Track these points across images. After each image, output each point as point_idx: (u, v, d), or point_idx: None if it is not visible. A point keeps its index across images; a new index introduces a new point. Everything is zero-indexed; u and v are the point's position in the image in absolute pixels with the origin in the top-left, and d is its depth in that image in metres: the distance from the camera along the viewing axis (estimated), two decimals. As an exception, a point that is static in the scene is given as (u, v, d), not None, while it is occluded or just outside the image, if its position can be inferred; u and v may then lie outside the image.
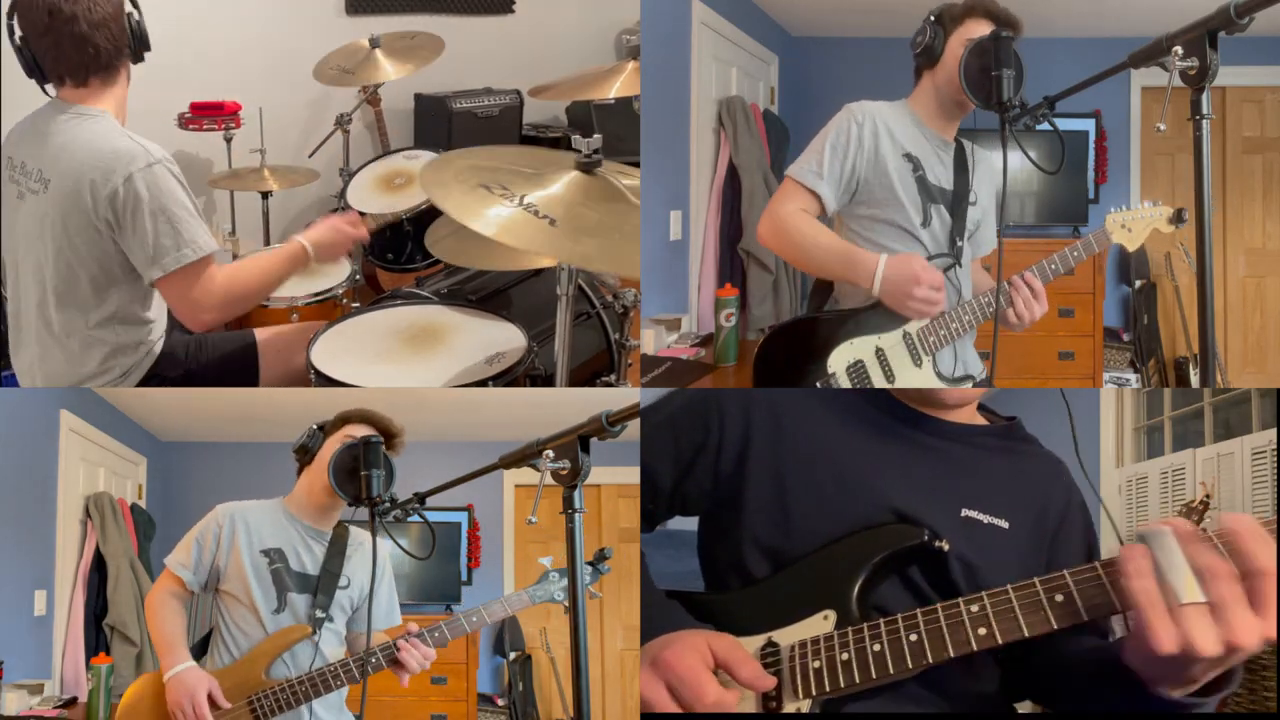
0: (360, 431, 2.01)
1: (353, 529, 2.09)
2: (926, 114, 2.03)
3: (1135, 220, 2.06)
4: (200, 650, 1.98)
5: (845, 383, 1.94)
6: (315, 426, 2.06)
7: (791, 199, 1.95)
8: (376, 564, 1.94)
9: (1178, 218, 2.05)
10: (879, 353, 1.96)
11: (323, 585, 1.97)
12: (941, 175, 2.02)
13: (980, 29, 1.94)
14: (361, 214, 2.64)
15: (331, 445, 1.98)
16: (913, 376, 1.96)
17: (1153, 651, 0.93)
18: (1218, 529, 0.97)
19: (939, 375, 2.00)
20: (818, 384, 1.94)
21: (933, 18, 2.00)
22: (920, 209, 1.97)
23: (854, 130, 1.94)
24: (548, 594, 2.03)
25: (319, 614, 1.93)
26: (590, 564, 2.01)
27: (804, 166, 1.96)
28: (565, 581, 2.01)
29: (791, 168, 1.98)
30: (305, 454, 2.04)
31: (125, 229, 1.91)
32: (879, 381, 1.95)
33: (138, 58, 2.01)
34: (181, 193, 1.94)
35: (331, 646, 1.97)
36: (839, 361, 1.94)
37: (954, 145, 2.07)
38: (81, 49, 1.92)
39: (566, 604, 1.99)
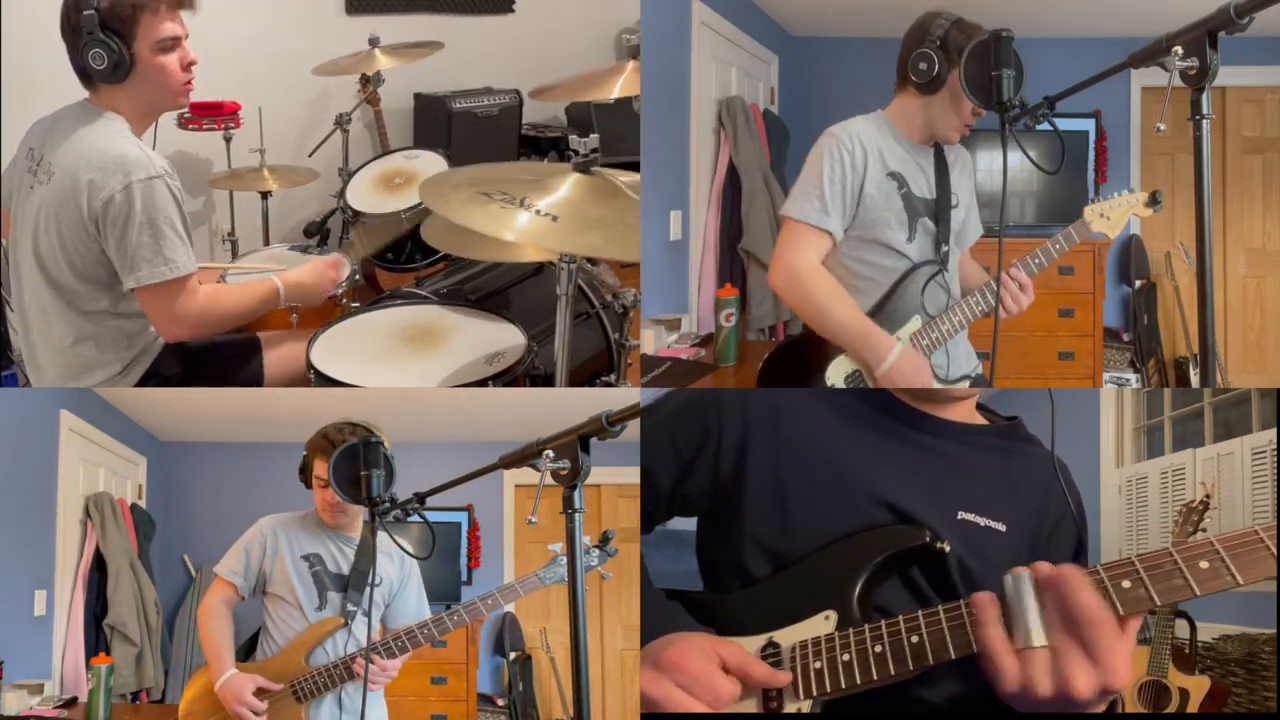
0: (321, 471, 2.14)
1: (379, 533, 2.17)
2: (907, 127, 2.04)
3: (1113, 208, 2.11)
4: (250, 647, 2.19)
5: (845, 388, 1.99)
6: (305, 455, 2.18)
7: (802, 245, 1.94)
8: (377, 561, 2.07)
9: (1153, 200, 2.09)
10: None
11: (353, 583, 2.16)
12: (924, 186, 2.04)
13: None
14: (356, 213, 2.64)
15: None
16: None
17: (1001, 690, 1.01)
18: (1046, 576, 1.02)
19: (935, 377, 2.04)
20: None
21: (937, 41, 1.98)
22: (906, 226, 2.00)
23: (845, 158, 1.94)
24: (558, 576, 2.14)
25: (350, 607, 2.13)
26: (597, 546, 2.15)
27: (805, 206, 1.95)
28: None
29: (791, 208, 1.97)
30: (305, 480, 2.21)
31: (111, 234, 1.92)
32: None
33: (107, 81, 1.96)
34: (174, 210, 1.95)
35: (366, 637, 2.13)
36: (837, 373, 1.98)
37: (933, 150, 2.08)
38: (72, 59, 1.98)
39: (602, 570, 2.14)
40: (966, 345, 2.17)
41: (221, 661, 2.11)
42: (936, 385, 1.94)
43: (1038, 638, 1.01)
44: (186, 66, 2.03)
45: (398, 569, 2.24)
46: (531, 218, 1.62)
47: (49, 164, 1.97)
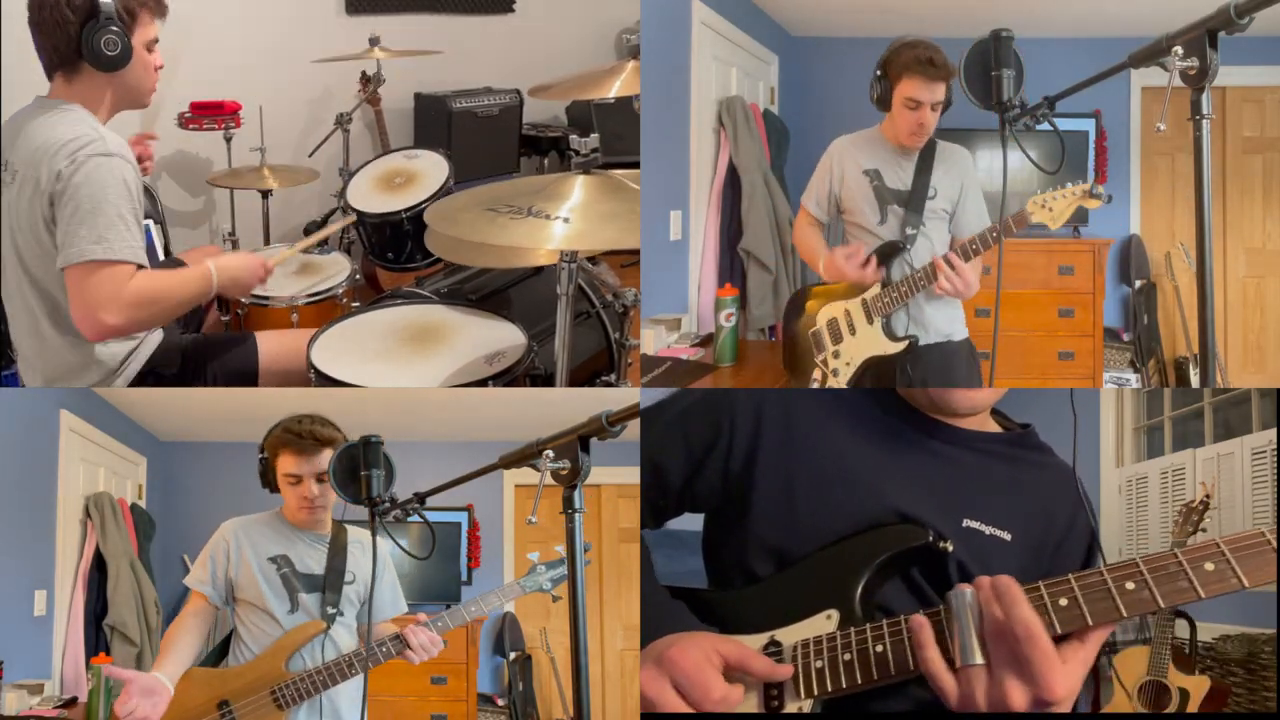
0: (293, 466, 2.06)
1: (350, 528, 2.15)
2: (892, 135, 2.46)
3: (1056, 200, 2.18)
4: (221, 653, 2.10)
5: (824, 332, 2.57)
6: (263, 455, 2.10)
7: (803, 218, 2.69)
8: (377, 562, 2.01)
9: (1094, 193, 2.16)
10: (846, 313, 2.51)
11: (329, 583, 2.07)
12: (900, 180, 2.46)
13: (916, 89, 2.30)
14: (357, 213, 2.64)
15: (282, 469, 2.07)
16: (866, 330, 2.49)
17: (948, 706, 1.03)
18: (986, 592, 1.05)
19: (886, 333, 2.45)
20: (810, 332, 2.59)
21: (879, 71, 2.39)
22: (878, 210, 2.47)
23: (829, 163, 2.57)
24: (536, 584, 2.19)
25: (330, 609, 2.05)
26: None
27: (807, 194, 2.67)
28: (551, 573, 2.22)
29: (803, 196, 2.69)
30: (266, 483, 2.12)
31: (57, 211, 1.89)
32: (845, 331, 2.53)
33: (107, 68, 1.96)
34: (122, 193, 1.90)
35: (344, 639, 2.08)
36: (823, 317, 2.58)
37: (917, 151, 2.45)
38: (42, 44, 1.97)
39: (554, 593, 2.18)
40: (947, 320, 2.51)
41: (160, 665, 1.98)
42: (850, 259, 2.41)
43: (972, 656, 1.03)
44: (157, 69, 2.09)
45: (370, 564, 2.16)
46: (536, 221, 1.66)
47: (12, 164, 1.97)
